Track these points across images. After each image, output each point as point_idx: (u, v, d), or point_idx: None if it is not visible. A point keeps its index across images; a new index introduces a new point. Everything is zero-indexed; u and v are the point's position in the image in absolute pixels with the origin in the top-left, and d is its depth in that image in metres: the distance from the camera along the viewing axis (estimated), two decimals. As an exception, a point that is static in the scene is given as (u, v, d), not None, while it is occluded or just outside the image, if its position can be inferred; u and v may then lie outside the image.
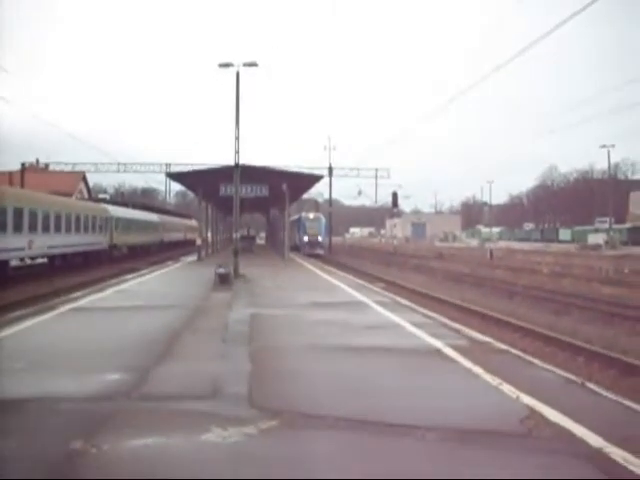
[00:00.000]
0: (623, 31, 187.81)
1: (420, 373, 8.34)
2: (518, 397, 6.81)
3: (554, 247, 75.62)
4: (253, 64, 27.30)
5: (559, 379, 8.00)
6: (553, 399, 6.63)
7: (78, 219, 37.24)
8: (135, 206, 60.37)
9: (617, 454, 5.08)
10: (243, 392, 6.97)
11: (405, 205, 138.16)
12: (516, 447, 5.40)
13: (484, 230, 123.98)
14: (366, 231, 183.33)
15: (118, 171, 66.37)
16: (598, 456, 5.09)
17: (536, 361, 9.17)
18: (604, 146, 77.94)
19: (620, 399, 7.06)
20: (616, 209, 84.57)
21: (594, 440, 5.38)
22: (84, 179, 77.86)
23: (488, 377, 7.74)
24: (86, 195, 74.00)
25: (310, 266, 34.05)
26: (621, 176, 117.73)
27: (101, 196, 70.55)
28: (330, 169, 65.07)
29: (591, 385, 7.75)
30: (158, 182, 69.18)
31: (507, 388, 7.19)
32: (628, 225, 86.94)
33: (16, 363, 8.43)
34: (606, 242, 71.38)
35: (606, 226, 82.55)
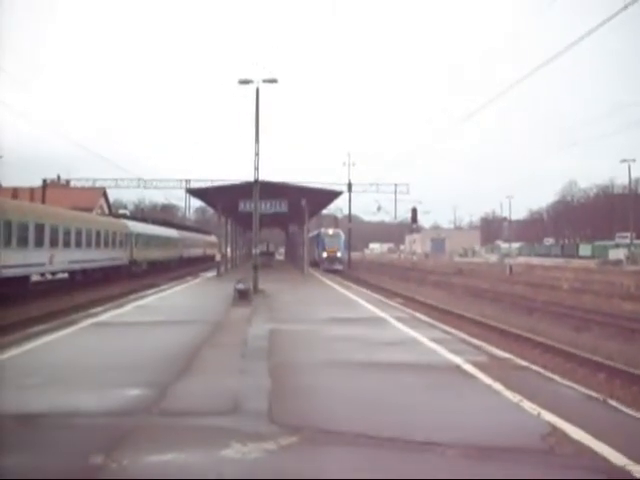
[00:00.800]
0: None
1: (440, 389, 8.29)
2: (539, 414, 6.76)
3: (574, 262, 75.10)
4: (273, 81, 27.42)
5: (580, 396, 7.94)
6: (575, 416, 6.58)
7: (98, 235, 37.52)
8: (155, 222, 60.70)
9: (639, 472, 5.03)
10: (263, 408, 6.97)
11: (424, 221, 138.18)
12: (538, 464, 5.35)
13: (503, 245, 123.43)
14: (385, 247, 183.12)
15: (138, 187, 66.39)
16: (620, 474, 5.05)
17: (557, 377, 9.10)
18: (624, 160, 77.52)
19: (642, 416, 6.99)
20: (637, 224, 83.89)
21: (616, 458, 5.33)
22: (104, 195, 78.54)
23: (509, 394, 7.69)
24: (106, 211, 74.59)
25: (329, 282, 34.04)
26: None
27: (121, 212, 70.95)
28: (349, 185, 64.97)
29: (613, 402, 7.67)
30: (178, 198, 69.70)
31: (528, 405, 7.13)
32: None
33: (36, 378, 8.50)
34: (627, 257, 70.79)
35: (627, 241, 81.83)
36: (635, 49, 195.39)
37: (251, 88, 27.51)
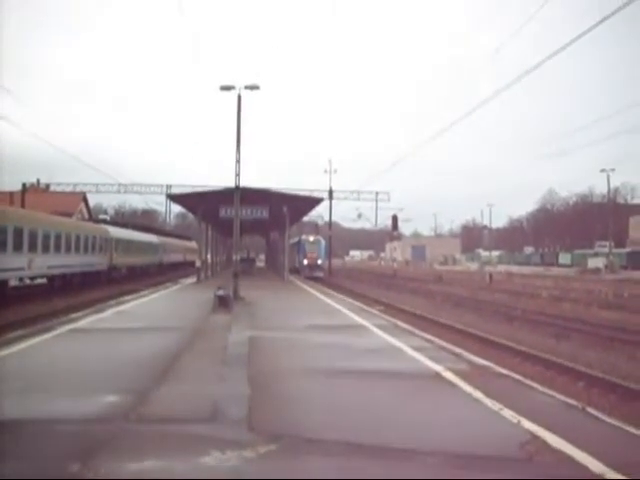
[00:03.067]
0: (624, 55, 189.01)
1: (420, 397, 8.30)
2: (519, 422, 6.77)
3: (554, 271, 75.66)
4: (255, 87, 27.39)
5: (560, 404, 7.96)
6: (554, 424, 6.59)
7: (78, 239, 37.22)
8: (135, 227, 60.40)
9: (618, 480, 5.04)
10: (242, 415, 6.93)
11: (405, 228, 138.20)
12: (517, 472, 5.37)
13: (484, 253, 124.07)
14: (366, 254, 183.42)
15: (119, 192, 66.43)
16: (599, 482, 5.06)
17: (536, 386, 9.13)
18: (604, 170, 78.29)
19: (621, 424, 7.02)
20: (616, 233, 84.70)
21: (595, 466, 5.34)
22: (84, 199, 78.05)
23: (488, 402, 7.70)
24: (86, 216, 74.19)
25: (310, 289, 34.01)
26: (621, 200, 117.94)
27: (101, 217, 70.67)
28: (330, 192, 65.19)
29: (592, 410, 7.70)
30: (158, 203, 69.13)
31: (508, 413, 7.14)
32: (628, 249, 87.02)
33: (13, 384, 8.38)
34: (606, 266, 71.40)
35: (606, 250, 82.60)
36: (615, 59, 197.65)
37: (233, 94, 27.48)
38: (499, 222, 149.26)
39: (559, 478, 5.27)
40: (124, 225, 59.03)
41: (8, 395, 7.74)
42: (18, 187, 55.45)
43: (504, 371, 10.30)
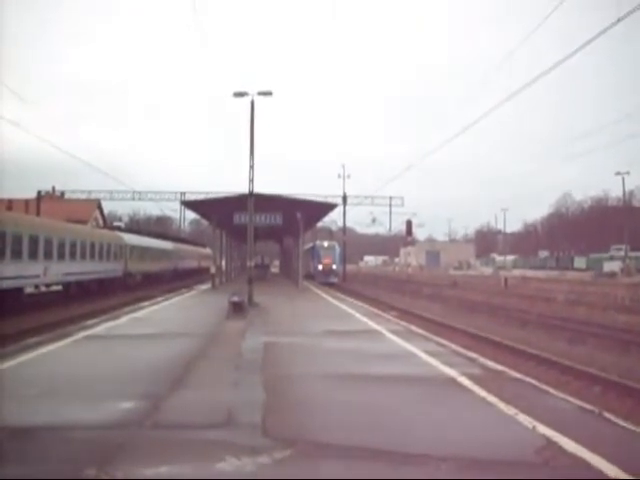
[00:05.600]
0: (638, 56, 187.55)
1: (435, 402, 8.27)
2: (534, 427, 6.74)
3: (569, 275, 75.20)
4: (268, 93, 27.38)
5: (575, 409, 7.93)
6: (570, 429, 6.56)
7: (93, 247, 37.42)
8: (149, 234, 60.62)
9: (635, 485, 5.02)
10: (257, 421, 6.93)
11: (419, 233, 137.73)
12: (533, 477, 5.34)
13: (498, 258, 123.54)
14: (380, 259, 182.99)
15: (133, 199, 66.59)
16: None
17: (552, 390, 9.08)
18: (619, 173, 77.77)
19: (638, 429, 6.97)
20: (631, 236, 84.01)
21: (611, 470, 5.31)
22: (99, 207, 78.43)
23: (503, 406, 7.67)
24: (101, 223, 74.48)
25: (324, 294, 34.01)
26: (636, 203, 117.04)
27: (116, 224, 70.85)
28: (344, 197, 65.06)
29: (608, 415, 7.65)
30: (173, 210, 69.28)
31: (523, 418, 7.11)
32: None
33: (30, 390, 8.45)
34: (622, 270, 70.86)
35: (622, 254, 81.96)
36: (628, 62, 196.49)
37: (247, 100, 27.51)
38: (514, 227, 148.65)
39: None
40: (138, 232, 59.28)
41: (25, 401, 7.82)
42: (33, 194, 55.86)
43: (519, 375, 10.27)
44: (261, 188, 32.42)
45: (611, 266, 77.35)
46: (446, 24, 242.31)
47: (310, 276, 56.54)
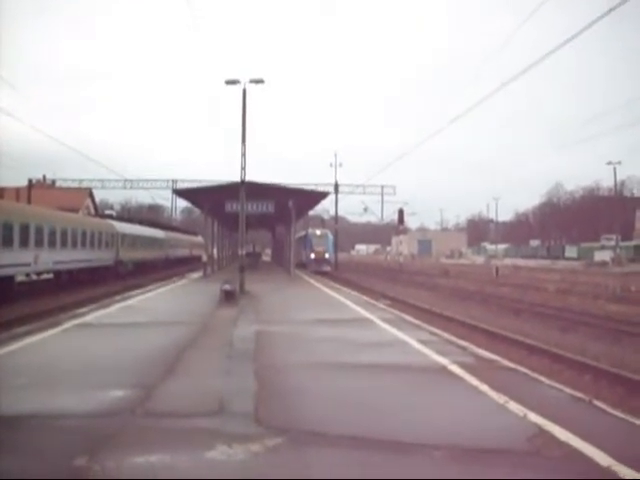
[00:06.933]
0: (632, 47, 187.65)
1: (426, 391, 8.29)
2: (526, 415, 6.75)
3: (560, 264, 75.46)
4: (260, 81, 27.32)
5: (567, 397, 7.94)
6: (561, 417, 6.58)
7: (84, 235, 37.29)
8: (141, 222, 60.45)
9: (626, 473, 5.03)
10: (249, 409, 6.93)
11: (411, 222, 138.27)
12: (524, 466, 5.34)
13: (490, 247, 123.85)
14: (372, 248, 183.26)
15: (124, 187, 66.58)
16: (606, 474, 5.05)
17: (543, 379, 9.10)
18: (610, 163, 77.93)
19: (628, 417, 6.99)
20: (622, 226, 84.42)
21: (603, 459, 5.33)
22: (91, 195, 78.26)
23: (495, 395, 7.68)
24: (93, 211, 74.24)
25: (316, 283, 34.00)
26: (627, 193, 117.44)
27: (107, 212, 70.65)
28: (336, 186, 65.02)
29: (599, 403, 7.67)
30: (164, 198, 69.25)
31: (514, 406, 7.13)
32: (635, 242, 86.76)
33: (20, 379, 8.42)
34: (613, 259, 71.15)
35: (612, 243, 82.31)
36: (622, 51, 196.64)
37: (239, 88, 27.42)
38: (505, 216, 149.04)
39: (566, 471, 5.25)
40: (130, 220, 59.07)
41: (15, 390, 7.77)
42: (24, 183, 55.59)
43: (510, 364, 10.28)
44: (253, 176, 32.40)
45: (602, 255, 77.71)
46: (436, 9, 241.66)
47: (302, 265, 56.44)
